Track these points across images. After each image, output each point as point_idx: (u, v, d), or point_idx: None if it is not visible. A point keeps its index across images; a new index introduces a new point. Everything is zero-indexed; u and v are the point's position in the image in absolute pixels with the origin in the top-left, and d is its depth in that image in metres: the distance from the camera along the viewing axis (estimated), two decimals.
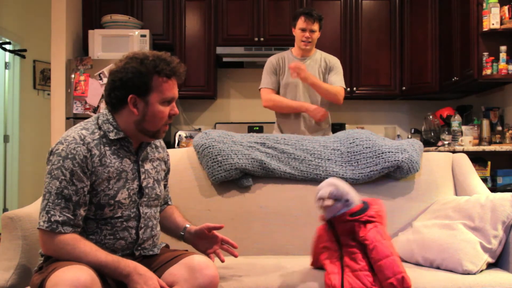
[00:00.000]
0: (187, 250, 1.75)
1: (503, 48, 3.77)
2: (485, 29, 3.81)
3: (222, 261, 1.79)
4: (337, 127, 4.72)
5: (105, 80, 4.31)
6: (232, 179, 2.29)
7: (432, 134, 4.53)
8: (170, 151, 1.96)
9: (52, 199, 1.49)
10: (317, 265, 1.84)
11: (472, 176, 2.37)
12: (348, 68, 4.83)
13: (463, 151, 3.36)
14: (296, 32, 3.20)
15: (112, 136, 1.61)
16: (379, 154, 2.29)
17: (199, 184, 2.31)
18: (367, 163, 2.30)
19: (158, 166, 1.77)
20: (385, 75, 4.93)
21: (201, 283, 1.53)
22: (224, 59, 4.89)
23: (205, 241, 1.80)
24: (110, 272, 1.48)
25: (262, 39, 4.87)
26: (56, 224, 1.48)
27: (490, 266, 1.89)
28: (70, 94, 4.41)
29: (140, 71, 1.57)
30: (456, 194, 2.35)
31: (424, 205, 2.27)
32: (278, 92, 3.25)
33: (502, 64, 3.77)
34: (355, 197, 1.71)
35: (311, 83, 3.07)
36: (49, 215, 1.48)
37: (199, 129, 5.11)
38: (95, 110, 4.37)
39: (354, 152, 2.35)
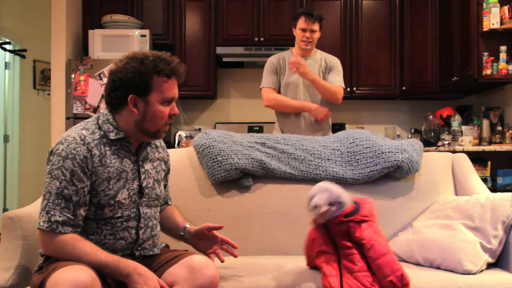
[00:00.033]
0: (187, 250, 1.75)
1: (503, 48, 3.77)
2: (485, 29, 3.81)
3: (222, 261, 1.80)
4: (337, 127, 4.72)
5: (105, 80, 4.31)
6: (232, 179, 2.29)
7: (432, 134, 4.53)
8: (170, 151, 1.96)
9: (52, 199, 1.49)
10: (313, 265, 1.84)
11: (472, 176, 2.37)
12: (348, 68, 4.83)
13: (463, 151, 3.36)
14: (297, 32, 3.20)
15: (112, 136, 1.61)
16: (379, 154, 2.29)
17: (199, 184, 2.31)
18: (367, 163, 2.30)
19: (158, 166, 1.77)
20: (385, 75, 4.93)
21: (201, 283, 1.52)
22: (224, 59, 4.89)
23: (205, 241, 1.80)
24: (110, 272, 1.48)
25: (262, 39, 4.87)
26: (56, 224, 1.48)
27: (490, 266, 1.89)
28: (70, 94, 4.41)
29: (140, 71, 1.57)
30: (456, 194, 2.35)
31: (424, 205, 2.27)
32: (279, 92, 3.25)
33: (502, 64, 3.77)
34: (347, 198, 1.71)
35: (310, 79, 3.07)
36: (49, 215, 1.48)
37: (199, 129, 5.11)
38: (95, 110, 4.37)
39: (354, 152, 2.35)
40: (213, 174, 2.26)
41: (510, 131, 3.87)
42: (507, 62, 3.77)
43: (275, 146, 2.38)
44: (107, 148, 1.60)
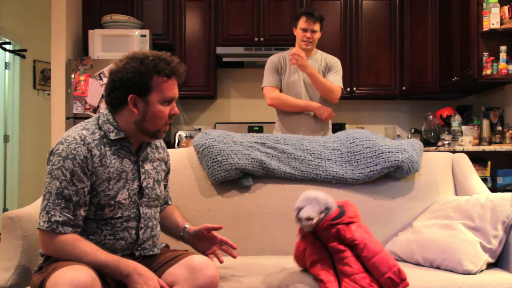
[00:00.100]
0: (187, 250, 1.75)
1: (503, 48, 3.77)
2: (485, 29, 3.81)
3: (221, 262, 1.79)
4: (337, 127, 4.72)
5: (105, 80, 4.31)
6: (232, 179, 2.29)
7: (432, 134, 4.53)
8: (170, 151, 1.96)
9: (52, 199, 1.49)
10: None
11: (472, 176, 2.37)
12: (348, 68, 4.83)
13: (463, 151, 3.36)
14: (297, 32, 3.20)
15: (112, 136, 1.61)
16: (379, 154, 2.29)
17: (199, 184, 2.31)
18: (367, 163, 2.30)
19: (158, 166, 1.77)
20: (385, 75, 4.93)
21: (201, 283, 1.52)
22: (224, 59, 4.89)
23: (204, 241, 1.80)
24: (110, 272, 1.48)
25: (262, 39, 4.88)
26: (56, 224, 1.48)
27: (490, 266, 1.89)
28: (70, 94, 4.41)
29: (140, 71, 1.57)
30: (456, 194, 2.35)
31: (424, 205, 2.27)
32: (280, 91, 3.25)
33: (502, 64, 3.77)
34: (332, 202, 1.71)
35: (309, 73, 3.06)
36: (49, 215, 1.48)
37: (199, 129, 5.11)
38: (95, 110, 4.37)
39: (354, 152, 2.35)
40: (213, 174, 2.26)
41: (510, 131, 3.87)
42: (507, 62, 3.77)
43: (275, 146, 2.38)
44: (107, 148, 1.60)
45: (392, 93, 4.97)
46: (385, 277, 1.61)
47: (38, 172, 5.18)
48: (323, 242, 1.71)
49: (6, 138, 5.33)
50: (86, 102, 4.39)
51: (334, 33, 4.88)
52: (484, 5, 3.82)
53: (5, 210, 5.21)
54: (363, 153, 2.32)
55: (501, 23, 3.75)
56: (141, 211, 1.66)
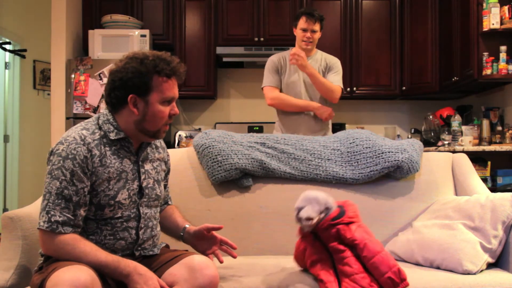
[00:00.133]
0: (187, 250, 1.75)
1: (503, 48, 3.77)
2: (485, 29, 3.81)
3: (221, 262, 1.79)
4: (337, 127, 4.72)
5: (105, 80, 4.31)
6: (232, 179, 2.29)
7: (432, 134, 4.53)
8: (170, 151, 1.96)
9: (52, 199, 1.49)
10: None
11: (472, 176, 2.37)
12: (348, 68, 4.83)
13: (463, 151, 3.36)
14: (297, 32, 3.20)
15: (112, 136, 1.61)
16: (379, 154, 2.29)
17: (199, 184, 2.31)
18: (367, 163, 2.30)
19: (158, 166, 1.77)
20: (385, 75, 4.93)
21: (201, 283, 1.52)
22: (224, 59, 4.89)
23: (204, 241, 1.80)
24: (110, 272, 1.48)
25: (262, 39, 4.88)
26: (56, 224, 1.48)
27: (490, 266, 1.89)
28: (70, 94, 4.41)
29: (140, 71, 1.57)
30: (456, 194, 2.35)
31: (424, 205, 2.27)
32: (280, 91, 3.25)
33: (502, 64, 3.77)
34: (332, 202, 1.71)
35: (309, 73, 3.06)
36: (49, 215, 1.48)
37: (199, 129, 5.11)
38: (95, 110, 4.37)
39: (354, 152, 2.35)
40: (213, 174, 2.26)
41: (510, 131, 3.87)
42: (507, 62, 3.77)
43: (275, 146, 2.38)
44: (107, 148, 1.60)
45: (392, 93, 4.97)
46: (385, 277, 1.61)
47: (38, 172, 5.18)
48: (323, 242, 1.71)
49: (6, 138, 5.33)
50: (86, 102, 4.39)
51: (334, 33, 4.88)
52: (484, 5, 3.82)
53: (5, 210, 5.21)
54: (363, 153, 2.32)
55: (501, 23, 3.75)
56: (141, 211, 1.66)
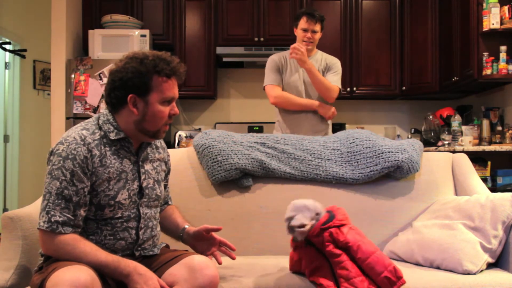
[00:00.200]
0: (187, 250, 1.75)
1: (503, 48, 3.77)
2: (485, 29, 3.81)
3: (220, 263, 1.79)
4: (337, 127, 4.72)
5: (105, 80, 4.31)
6: (232, 179, 2.28)
7: (432, 134, 4.53)
8: (170, 151, 1.95)
9: (52, 200, 1.49)
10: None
11: (472, 176, 2.37)
12: (348, 68, 4.84)
13: (463, 151, 3.36)
14: (298, 32, 3.20)
15: (112, 136, 1.61)
16: (379, 154, 2.29)
17: (199, 184, 2.31)
18: (367, 163, 2.30)
19: (158, 166, 1.77)
20: (385, 75, 4.93)
21: (201, 283, 1.52)
22: (224, 59, 4.89)
23: (203, 242, 1.80)
24: (110, 272, 1.48)
25: (262, 39, 4.88)
26: (56, 224, 1.48)
27: (490, 266, 1.89)
28: (70, 94, 4.41)
29: (140, 70, 1.57)
30: (456, 194, 2.35)
31: (424, 205, 2.27)
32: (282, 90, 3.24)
33: (502, 64, 3.77)
34: (321, 207, 1.71)
35: (308, 68, 3.06)
36: (49, 216, 1.48)
37: (199, 129, 5.11)
38: (95, 110, 4.37)
39: (354, 152, 2.35)
40: (213, 174, 2.26)
41: (510, 131, 3.87)
42: (507, 62, 3.77)
43: (275, 146, 2.38)
44: (107, 149, 1.60)
45: (392, 93, 4.97)
46: (382, 277, 1.61)
47: (38, 172, 5.18)
48: (317, 249, 1.71)
49: (6, 138, 5.33)
50: (86, 102, 4.39)
51: (334, 33, 4.88)
52: (484, 5, 3.82)
53: (5, 210, 5.21)
54: (363, 153, 2.32)
55: (501, 23, 3.75)
56: (141, 211, 1.66)
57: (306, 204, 1.69)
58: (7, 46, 5.22)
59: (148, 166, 1.71)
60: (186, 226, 1.82)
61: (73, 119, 4.38)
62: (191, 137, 4.73)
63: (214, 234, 1.80)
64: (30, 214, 1.78)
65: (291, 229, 1.68)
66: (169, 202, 1.95)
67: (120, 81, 1.58)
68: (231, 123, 5.12)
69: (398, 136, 5.10)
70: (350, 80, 4.87)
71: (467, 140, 3.90)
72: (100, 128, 1.62)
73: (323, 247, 1.68)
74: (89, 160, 1.54)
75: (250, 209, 2.27)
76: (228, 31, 4.90)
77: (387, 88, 4.94)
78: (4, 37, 5.21)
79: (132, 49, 3.23)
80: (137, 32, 4.54)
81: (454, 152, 2.87)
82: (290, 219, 1.68)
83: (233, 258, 1.81)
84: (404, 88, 4.88)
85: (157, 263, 1.64)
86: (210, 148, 2.29)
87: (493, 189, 3.50)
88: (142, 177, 1.67)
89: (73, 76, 4.41)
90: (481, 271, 1.82)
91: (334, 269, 1.66)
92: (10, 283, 1.66)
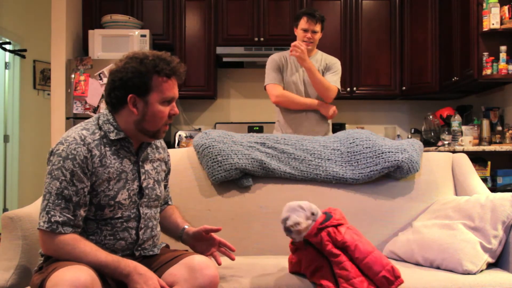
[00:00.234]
0: (187, 250, 1.75)
1: (503, 48, 3.77)
2: (485, 29, 3.82)
3: (219, 263, 1.78)
4: (337, 127, 4.73)
5: (105, 80, 4.31)
6: (232, 179, 2.28)
7: (432, 134, 4.53)
8: (170, 151, 1.95)
9: (52, 200, 1.49)
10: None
11: (472, 176, 2.37)
12: (348, 68, 4.84)
13: (463, 151, 3.36)
14: (298, 32, 3.20)
15: (112, 136, 1.61)
16: (379, 154, 2.29)
17: (199, 184, 2.31)
18: (367, 163, 2.30)
19: (158, 166, 1.77)
20: (385, 75, 4.93)
21: (201, 283, 1.52)
22: (224, 59, 4.89)
23: (203, 243, 1.80)
24: (110, 272, 1.48)
25: (262, 39, 4.88)
26: (56, 224, 1.48)
27: (490, 266, 1.89)
28: (70, 94, 4.41)
29: (140, 70, 1.57)
30: (456, 194, 2.35)
31: (424, 205, 2.27)
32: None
33: (502, 64, 3.77)
34: (316, 208, 1.72)
35: (307, 67, 3.06)
36: (49, 216, 1.48)
37: (199, 129, 5.11)
38: (95, 110, 4.37)
39: (354, 152, 2.35)
40: (213, 174, 2.26)
41: (510, 131, 3.87)
42: (507, 62, 3.77)
43: (275, 146, 2.38)
44: (107, 149, 1.60)
45: (392, 93, 4.97)
46: (380, 276, 1.61)
47: (38, 172, 5.18)
48: (317, 249, 1.71)
49: (6, 138, 5.33)
50: (86, 102, 4.39)
51: (334, 33, 4.88)
52: (484, 5, 3.82)
53: (5, 210, 5.21)
54: (363, 153, 2.32)
55: (501, 23, 3.75)
56: (141, 211, 1.66)
57: (300, 204, 1.70)
58: (7, 46, 5.22)
59: (148, 166, 1.71)
60: (186, 227, 1.82)
61: (73, 119, 4.38)
62: (191, 137, 4.73)
63: (213, 234, 1.79)
64: (30, 214, 1.78)
65: (287, 230, 1.70)
66: (169, 202, 1.95)
67: (120, 81, 1.58)
68: (231, 123, 5.12)
69: (398, 136, 5.10)
70: (350, 80, 4.87)
71: (467, 140, 3.90)
72: (100, 128, 1.62)
73: (322, 247, 1.68)
74: (89, 160, 1.54)
75: (250, 209, 2.27)
76: (228, 31, 4.90)
77: (387, 88, 4.94)
78: (4, 37, 5.21)
79: (132, 49, 3.23)
80: (137, 32, 4.54)
81: (454, 152, 2.87)
82: (285, 220, 1.69)
83: (233, 259, 1.81)
84: (404, 88, 4.88)
85: (157, 263, 1.64)
86: (210, 148, 2.29)
87: (493, 189, 3.50)
88: (142, 177, 1.67)
89: (73, 76, 4.41)
90: (481, 271, 1.82)
91: (334, 269, 1.66)
92: (10, 283, 1.66)
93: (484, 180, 3.53)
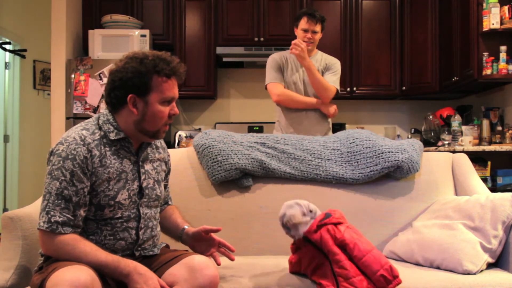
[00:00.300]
0: (187, 250, 1.75)
1: (503, 48, 3.77)
2: (485, 29, 3.82)
3: (218, 264, 1.78)
4: (337, 127, 4.73)
5: (105, 80, 4.31)
6: (232, 179, 2.28)
7: (432, 134, 4.53)
8: (170, 151, 1.95)
9: (52, 200, 1.49)
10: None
11: (472, 176, 2.37)
12: (348, 68, 4.84)
13: (463, 151, 3.36)
14: (298, 32, 3.20)
15: (112, 136, 1.61)
16: (379, 154, 2.29)
17: (199, 184, 2.31)
18: (367, 163, 2.30)
19: (158, 166, 1.76)
20: (385, 75, 4.93)
21: (201, 283, 1.52)
22: (224, 59, 4.89)
23: (202, 243, 1.80)
24: (110, 272, 1.48)
25: (262, 39, 4.88)
26: (56, 224, 1.48)
27: (490, 266, 1.89)
28: (70, 94, 4.41)
29: (140, 70, 1.57)
30: (456, 194, 2.35)
31: (424, 205, 2.27)
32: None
33: (502, 64, 3.77)
34: (314, 206, 1.74)
35: (306, 65, 3.06)
36: (49, 216, 1.48)
37: (199, 129, 5.11)
38: (95, 110, 4.37)
39: (354, 152, 2.35)
40: (213, 174, 2.26)
41: (510, 131, 3.87)
42: (507, 62, 3.77)
43: (275, 146, 2.38)
44: (107, 149, 1.60)
45: (392, 93, 4.97)
46: (378, 275, 1.61)
47: (38, 172, 5.18)
48: (316, 247, 1.71)
49: (6, 138, 5.33)
50: (86, 102, 4.39)
51: (334, 33, 4.88)
52: (484, 5, 3.82)
53: (5, 210, 5.21)
54: (363, 153, 2.32)
55: (501, 23, 3.75)
56: (141, 212, 1.66)
57: (297, 201, 1.73)
58: (7, 46, 5.22)
59: (148, 166, 1.71)
60: (186, 227, 1.82)
61: (73, 119, 4.38)
62: (191, 137, 4.73)
63: (213, 235, 1.79)
64: (30, 214, 1.78)
65: (285, 227, 1.72)
66: (169, 202, 1.95)
67: (120, 81, 1.58)
68: (231, 123, 5.12)
69: (398, 136, 5.10)
70: (350, 80, 4.87)
71: (467, 140, 3.90)
72: (100, 128, 1.62)
73: (321, 244, 1.68)
74: (89, 160, 1.54)
75: (250, 209, 2.27)
76: (228, 31, 4.90)
77: (387, 88, 4.94)
78: (4, 37, 5.21)
79: (132, 49, 3.24)
80: (137, 32, 4.54)
81: (454, 152, 2.87)
82: (282, 217, 1.72)
83: (232, 259, 1.81)
84: (404, 88, 4.88)
85: (157, 263, 1.64)
86: (210, 148, 2.29)
87: (493, 189, 3.50)
88: (142, 177, 1.67)
89: (73, 76, 4.41)
90: (481, 271, 1.82)
91: (333, 268, 1.66)
92: (10, 283, 1.66)
93: (484, 180, 3.53)
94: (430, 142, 4.45)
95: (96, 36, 4.54)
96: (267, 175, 2.33)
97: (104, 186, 1.57)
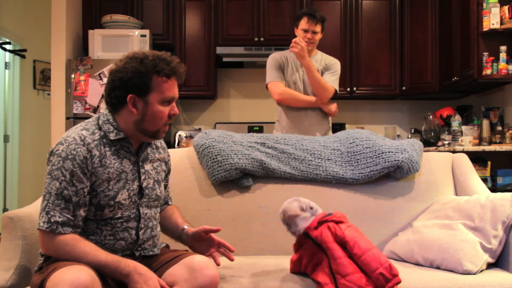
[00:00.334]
0: (187, 250, 1.75)
1: (503, 48, 3.77)
2: (485, 29, 3.82)
3: (218, 264, 1.78)
4: (337, 127, 4.72)
5: (105, 80, 4.31)
6: (232, 179, 2.28)
7: (432, 134, 4.53)
8: (170, 151, 1.95)
9: (52, 200, 1.49)
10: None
11: (472, 176, 2.37)
12: (348, 68, 4.84)
13: (463, 151, 3.36)
14: (298, 33, 3.20)
15: (112, 136, 1.61)
16: (379, 154, 2.29)
17: (199, 184, 2.31)
18: (367, 163, 2.30)
19: (158, 166, 1.76)
20: (385, 75, 4.93)
21: (201, 283, 1.52)
22: (224, 59, 4.89)
23: (202, 243, 1.80)
24: (110, 272, 1.48)
25: (262, 39, 4.88)
26: (56, 224, 1.48)
27: (490, 266, 1.89)
28: (70, 94, 4.41)
29: (140, 70, 1.57)
30: (456, 194, 2.35)
31: (424, 205, 2.27)
32: None
33: (502, 64, 3.77)
34: (315, 204, 1.76)
35: (306, 64, 3.06)
36: (49, 216, 1.48)
37: (199, 129, 5.11)
38: (95, 110, 4.37)
39: (354, 152, 2.35)
40: (213, 174, 2.26)
41: (510, 131, 3.87)
42: (507, 62, 3.77)
43: (275, 146, 2.38)
44: (107, 149, 1.60)
45: (392, 93, 4.97)
46: (377, 273, 1.61)
47: (38, 172, 5.18)
48: (316, 244, 1.71)
49: (6, 138, 5.33)
50: (86, 102, 4.39)
51: (334, 33, 4.88)
52: (484, 5, 3.82)
53: (5, 210, 5.21)
54: (363, 153, 2.32)
55: (501, 23, 3.75)
56: (141, 212, 1.66)
57: (297, 198, 1.75)
58: (7, 46, 5.22)
59: (148, 166, 1.71)
60: (186, 227, 1.82)
61: (73, 119, 4.38)
62: (191, 137, 4.73)
63: (213, 235, 1.79)
64: (30, 214, 1.78)
65: (284, 221, 1.74)
66: (169, 202, 1.95)
67: (120, 81, 1.58)
68: (231, 123, 5.12)
69: (398, 136, 5.10)
70: (350, 80, 4.87)
71: (467, 140, 3.90)
72: (100, 128, 1.62)
73: (321, 240, 1.68)
74: (89, 161, 1.54)
75: (250, 209, 2.27)
76: (228, 31, 4.90)
77: (387, 88, 4.94)
78: (4, 37, 5.21)
79: (132, 49, 3.23)
80: (137, 32, 4.54)
81: (454, 152, 2.87)
82: (281, 214, 1.75)
83: (232, 260, 1.81)
84: (404, 88, 4.88)
85: (157, 263, 1.64)
86: (210, 148, 2.29)
87: (493, 189, 3.50)
88: (142, 177, 1.67)
89: (73, 76, 4.41)
90: (481, 271, 1.82)
91: (331, 265, 1.66)
92: (10, 283, 1.66)
93: (484, 180, 3.53)
94: (430, 142, 4.45)
95: (96, 36, 4.54)
96: (267, 175, 2.33)
97: (104, 186, 1.57)
